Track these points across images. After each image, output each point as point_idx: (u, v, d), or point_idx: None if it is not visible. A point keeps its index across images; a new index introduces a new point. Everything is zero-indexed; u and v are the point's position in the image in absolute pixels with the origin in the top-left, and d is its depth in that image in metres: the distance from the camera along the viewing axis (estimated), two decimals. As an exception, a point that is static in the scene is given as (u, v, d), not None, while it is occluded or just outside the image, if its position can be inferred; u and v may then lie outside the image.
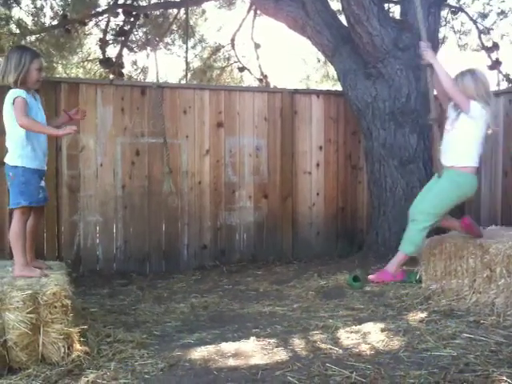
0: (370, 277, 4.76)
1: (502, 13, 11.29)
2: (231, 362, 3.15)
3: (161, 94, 6.29)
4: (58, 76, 10.17)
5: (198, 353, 3.32)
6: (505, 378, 2.78)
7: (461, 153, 4.38)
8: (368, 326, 3.76)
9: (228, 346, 3.42)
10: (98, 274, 5.88)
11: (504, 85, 11.45)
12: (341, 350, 3.29)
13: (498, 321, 3.76)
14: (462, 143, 4.38)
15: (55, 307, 3.10)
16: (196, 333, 3.79)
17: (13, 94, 3.56)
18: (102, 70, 11.13)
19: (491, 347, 3.25)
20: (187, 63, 9.55)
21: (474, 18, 10.93)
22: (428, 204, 4.49)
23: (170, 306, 4.62)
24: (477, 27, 10.98)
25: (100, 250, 6.11)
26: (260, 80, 10.39)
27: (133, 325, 4.01)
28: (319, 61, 13.03)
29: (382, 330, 3.66)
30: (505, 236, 4.38)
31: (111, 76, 8.67)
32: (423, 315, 4.00)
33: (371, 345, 3.38)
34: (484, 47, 10.93)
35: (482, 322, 3.76)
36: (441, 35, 9.07)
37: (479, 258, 4.20)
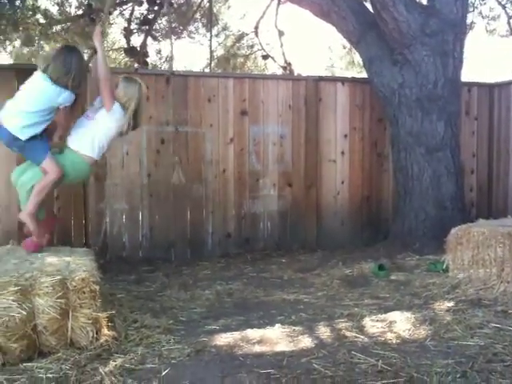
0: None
1: (533, -3, 10.97)
2: (257, 349, 3.17)
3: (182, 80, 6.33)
4: (83, 65, 10.24)
5: (224, 339, 3.36)
6: (534, 369, 2.74)
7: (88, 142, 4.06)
8: (394, 315, 3.74)
9: (253, 333, 3.45)
10: (124, 261, 5.95)
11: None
12: (366, 339, 3.28)
13: (526, 311, 3.71)
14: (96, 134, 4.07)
15: (84, 292, 3.16)
16: (221, 319, 3.82)
17: None
18: (126, 59, 11.20)
19: (520, 337, 3.21)
20: (211, 51, 9.53)
21: (503, 3, 10.66)
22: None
23: (195, 292, 4.66)
24: (506, 12, 10.71)
25: (126, 237, 6.18)
26: (284, 68, 10.30)
27: (159, 311, 4.06)
28: (344, 48, 12.87)
29: (408, 319, 3.64)
30: (534, 225, 4.30)
31: (136, 65, 8.69)
32: (450, 304, 3.96)
33: (397, 333, 3.37)
34: (513, 33, 10.68)
35: (509, 311, 3.72)
36: (468, 21, 8.88)
37: (508, 247, 4.13)
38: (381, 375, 2.73)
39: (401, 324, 3.54)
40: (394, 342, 3.22)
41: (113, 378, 2.77)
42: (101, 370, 2.86)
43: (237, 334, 3.43)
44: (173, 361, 3.01)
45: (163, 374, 2.83)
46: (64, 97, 3.85)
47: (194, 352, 3.13)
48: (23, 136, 3.78)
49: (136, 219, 6.20)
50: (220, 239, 6.50)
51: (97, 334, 3.19)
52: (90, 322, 3.16)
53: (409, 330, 3.42)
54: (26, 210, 3.84)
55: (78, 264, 3.44)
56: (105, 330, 3.23)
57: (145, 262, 5.95)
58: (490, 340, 3.18)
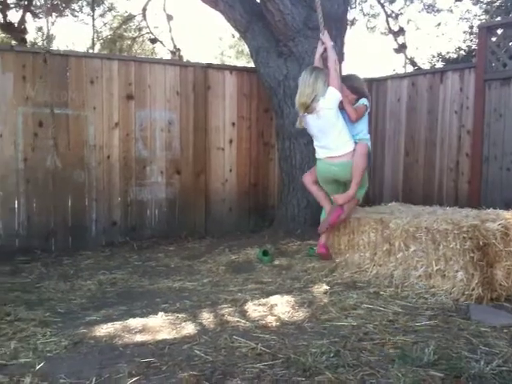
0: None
1: (409, -2, 11.77)
2: (138, 338, 3.12)
3: (66, 62, 6.02)
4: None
5: (104, 330, 3.27)
6: (399, 345, 2.97)
7: None
8: (275, 299, 3.86)
9: (135, 322, 3.39)
10: (-2, 251, 5.58)
11: (409, 68, 12.03)
12: (248, 323, 3.35)
13: (396, 292, 4.00)
14: None
15: None
16: (102, 310, 3.72)
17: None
18: (3, 35, 10.43)
19: (389, 317, 3.44)
20: (94, 30, 9.15)
21: (382, 2, 11.33)
22: None
23: (76, 283, 4.49)
24: (385, 11, 11.40)
25: (0, 226, 5.78)
26: (173, 53, 10.18)
27: (36, 303, 3.86)
28: (234, 37, 12.97)
29: (288, 302, 3.78)
30: (403, 212, 4.63)
31: (13, 42, 8.12)
32: (327, 287, 4.16)
33: (277, 316, 3.48)
34: (391, 31, 11.40)
35: (381, 293, 3.98)
36: (351, 17, 9.30)
37: (380, 233, 4.42)
38: (260, 358, 2.81)
39: (281, 307, 3.67)
40: (274, 324, 3.33)
41: (-20, 377, 2.60)
42: (-34, 369, 2.67)
43: (118, 324, 3.35)
44: (48, 354, 2.88)
45: (37, 368, 2.70)
46: None
47: (71, 344, 3.02)
48: None
49: (11, 207, 5.81)
50: (105, 227, 6.29)
51: (-38, 330, 2.97)
52: (-46, 318, 2.93)
53: (288, 312, 3.55)
54: None
55: None
56: (-29, 326, 3.02)
57: (21, 252, 5.62)
58: (362, 320, 3.38)
